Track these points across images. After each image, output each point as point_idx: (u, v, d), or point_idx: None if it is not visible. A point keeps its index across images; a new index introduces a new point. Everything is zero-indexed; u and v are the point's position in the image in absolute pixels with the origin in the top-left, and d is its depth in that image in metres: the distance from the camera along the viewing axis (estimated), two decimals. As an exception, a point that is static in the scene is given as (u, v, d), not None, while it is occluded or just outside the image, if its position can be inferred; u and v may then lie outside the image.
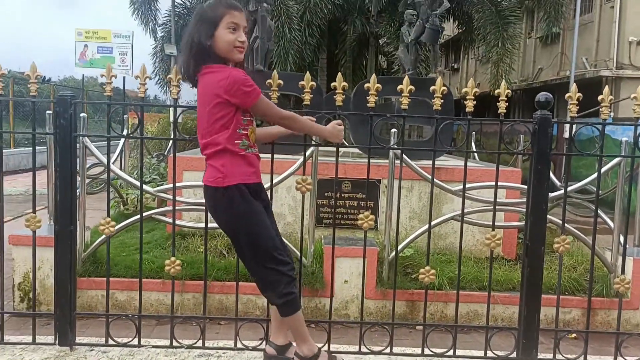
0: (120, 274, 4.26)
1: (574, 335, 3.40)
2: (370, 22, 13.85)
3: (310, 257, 4.34)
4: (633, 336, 2.96)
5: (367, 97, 2.65)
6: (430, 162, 2.86)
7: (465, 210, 2.84)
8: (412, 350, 2.81)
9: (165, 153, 8.65)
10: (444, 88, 2.63)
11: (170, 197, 3.47)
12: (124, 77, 12.28)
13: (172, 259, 2.71)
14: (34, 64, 2.61)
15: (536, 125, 2.61)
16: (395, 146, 4.11)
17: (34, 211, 2.70)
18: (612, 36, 13.72)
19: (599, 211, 3.22)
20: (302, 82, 2.62)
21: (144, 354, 2.65)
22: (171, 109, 3.05)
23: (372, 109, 2.66)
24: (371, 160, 2.82)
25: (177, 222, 3.54)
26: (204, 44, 2.15)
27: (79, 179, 3.81)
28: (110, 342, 2.69)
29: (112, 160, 4.43)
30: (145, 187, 3.72)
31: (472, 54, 20.50)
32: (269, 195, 2.53)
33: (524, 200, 2.86)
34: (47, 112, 4.17)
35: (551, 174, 3.39)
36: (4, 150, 2.70)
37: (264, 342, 2.60)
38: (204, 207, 2.83)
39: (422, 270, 2.74)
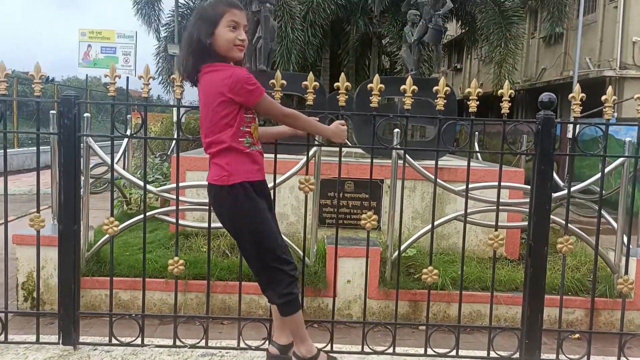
0: (123, 274, 4.27)
1: (577, 335, 3.39)
2: (373, 22, 13.84)
3: (313, 257, 4.35)
4: (636, 337, 2.96)
5: (370, 97, 2.65)
6: (433, 162, 2.86)
7: (468, 211, 2.83)
8: (414, 350, 2.81)
9: (169, 153, 8.67)
10: (447, 88, 2.63)
11: (174, 196, 3.47)
12: (127, 77, 12.25)
13: (176, 258, 2.71)
14: (38, 64, 2.61)
15: (539, 125, 2.61)
16: (398, 146, 4.11)
17: (38, 211, 2.71)
18: (616, 36, 13.68)
19: (603, 211, 3.22)
20: (305, 82, 2.63)
21: (147, 353, 2.66)
22: (174, 109, 3.06)
23: (375, 109, 2.66)
24: (374, 160, 2.82)
25: (180, 221, 3.54)
26: (204, 42, 2.15)
27: (82, 178, 3.82)
28: (114, 341, 2.70)
29: (115, 160, 4.44)
30: (148, 186, 3.73)
31: (475, 54, 20.47)
32: (271, 195, 2.53)
33: (527, 200, 2.85)
34: (51, 112, 4.17)
35: (554, 174, 3.39)
36: (8, 150, 2.71)
37: (267, 342, 2.60)
38: (207, 207, 2.84)
39: (424, 270, 2.74)
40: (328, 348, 2.64)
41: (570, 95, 2.65)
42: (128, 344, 2.70)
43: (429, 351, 2.71)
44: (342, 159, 2.82)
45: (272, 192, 2.43)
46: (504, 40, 12.41)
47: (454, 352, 2.71)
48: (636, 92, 2.67)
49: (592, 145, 9.50)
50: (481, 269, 4.60)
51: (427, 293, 2.83)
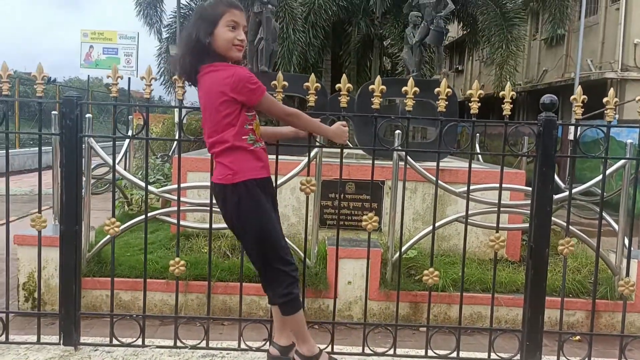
0: (124, 274, 4.28)
1: (578, 337, 3.38)
2: (374, 24, 13.85)
3: (314, 258, 4.35)
4: (637, 339, 2.96)
5: (372, 99, 2.66)
6: (434, 163, 2.86)
7: (469, 212, 2.83)
8: (415, 351, 2.80)
9: (170, 154, 8.67)
10: (449, 90, 2.63)
11: (175, 197, 3.48)
12: (129, 78, 12.23)
13: (177, 259, 2.72)
14: (41, 65, 2.62)
15: (541, 127, 2.61)
16: (400, 148, 4.11)
17: (40, 211, 2.71)
18: (617, 38, 13.68)
19: (604, 213, 3.22)
20: (307, 84, 2.63)
21: (148, 354, 2.66)
22: (176, 110, 3.06)
23: (376, 111, 2.67)
24: (375, 162, 2.83)
25: (181, 222, 3.55)
26: (203, 41, 2.16)
27: (84, 179, 3.82)
28: (115, 342, 2.70)
29: (117, 161, 4.44)
30: (149, 187, 3.74)
31: (476, 56, 20.47)
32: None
33: (528, 202, 2.85)
34: (53, 112, 4.18)
35: (555, 176, 3.39)
36: (9, 150, 2.71)
37: (268, 343, 2.60)
38: (208, 208, 2.84)
39: (425, 271, 2.73)
40: (329, 349, 2.63)
41: (571, 97, 2.65)
42: (129, 345, 2.70)
43: (430, 353, 2.71)
44: (343, 161, 2.82)
45: (273, 192, 2.43)
46: (505, 42, 12.42)
47: (454, 354, 2.71)
48: (638, 94, 2.67)
49: (593, 147, 9.50)
50: (482, 271, 4.60)
51: (427, 294, 2.83)
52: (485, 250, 5.12)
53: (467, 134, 15.07)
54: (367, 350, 2.70)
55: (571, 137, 10.27)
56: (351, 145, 6.50)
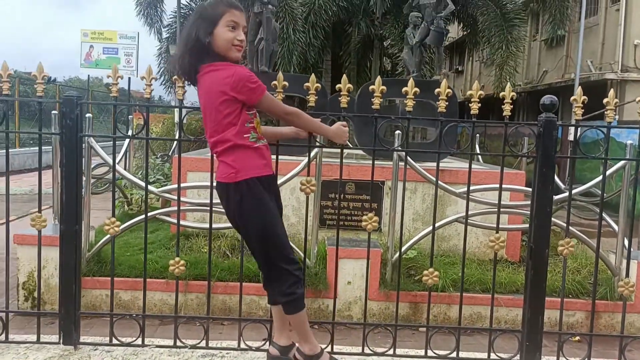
0: (124, 274, 4.28)
1: (577, 338, 3.38)
2: (374, 24, 13.84)
3: (314, 258, 4.35)
4: (637, 339, 2.96)
5: (372, 99, 2.66)
6: (434, 164, 2.86)
7: (469, 213, 2.83)
8: (415, 352, 2.80)
9: (170, 153, 8.68)
10: (449, 90, 2.63)
11: (175, 197, 3.48)
12: (129, 78, 12.21)
13: (177, 259, 2.72)
14: (41, 65, 2.62)
15: (541, 128, 2.61)
16: (400, 148, 4.11)
17: (40, 210, 2.71)
18: (618, 39, 13.69)
19: (604, 214, 3.22)
20: (307, 84, 2.63)
21: (148, 353, 2.66)
22: (176, 110, 3.06)
23: (376, 111, 2.67)
24: (375, 162, 2.83)
25: (181, 222, 3.55)
26: (203, 41, 2.16)
27: (84, 178, 3.82)
28: (114, 341, 2.70)
29: (117, 161, 4.44)
30: (149, 187, 3.73)
31: (476, 57, 20.48)
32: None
33: (528, 202, 2.85)
34: (53, 112, 4.18)
35: (555, 177, 3.39)
36: (9, 150, 2.71)
37: (268, 343, 2.60)
38: (208, 208, 2.84)
39: (425, 272, 2.74)
40: (328, 349, 2.63)
41: (571, 98, 2.66)
42: (129, 344, 2.71)
43: (430, 353, 2.71)
44: (343, 161, 2.82)
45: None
46: (505, 43, 12.42)
47: (454, 354, 2.71)
48: (637, 94, 2.67)
49: (593, 148, 9.50)
50: (482, 271, 4.60)
51: (427, 295, 2.83)
52: (485, 250, 5.12)
53: (467, 134, 15.08)
54: (366, 350, 2.70)
55: (571, 137, 10.28)
56: (351, 146, 6.49)
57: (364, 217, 2.70)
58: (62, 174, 2.65)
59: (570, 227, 2.89)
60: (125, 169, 6.04)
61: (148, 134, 2.81)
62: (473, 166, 2.88)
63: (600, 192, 2.91)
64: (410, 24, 7.85)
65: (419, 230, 4.76)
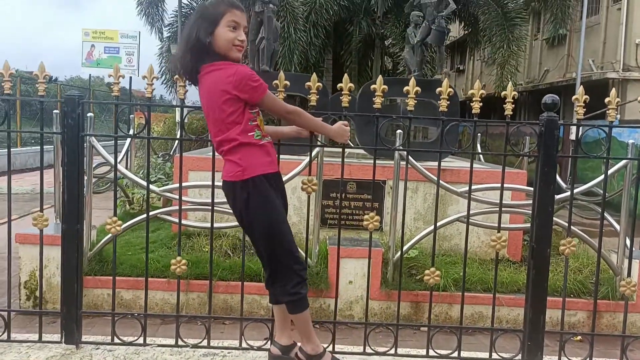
0: (125, 273, 4.28)
1: (579, 337, 3.38)
2: (376, 24, 13.84)
3: (315, 257, 4.35)
4: (639, 339, 2.95)
5: (373, 99, 2.65)
6: (435, 163, 2.86)
7: (471, 212, 2.83)
8: (416, 351, 2.80)
9: (171, 153, 8.69)
10: (450, 90, 2.63)
11: (176, 196, 3.48)
12: (131, 77, 12.20)
13: (178, 258, 2.72)
14: (42, 64, 2.62)
15: (542, 127, 2.61)
16: (401, 147, 4.11)
17: (42, 210, 2.71)
18: (619, 38, 13.67)
19: (605, 214, 3.21)
20: (308, 83, 2.63)
21: (150, 352, 2.66)
22: (177, 109, 3.06)
23: (377, 110, 2.67)
24: (376, 161, 2.82)
25: (182, 221, 3.55)
26: (203, 41, 2.16)
27: (85, 178, 3.83)
28: (116, 340, 2.70)
29: (118, 160, 4.45)
30: (151, 186, 3.74)
31: (477, 56, 20.46)
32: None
33: (530, 202, 2.85)
34: (54, 111, 4.20)
35: (557, 176, 3.39)
36: (11, 149, 2.72)
37: (269, 342, 2.60)
38: (209, 207, 2.84)
39: (427, 271, 2.73)
40: (330, 349, 2.64)
41: (573, 97, 2.65)
42: (130, 343, 2.71)
43: (431, 352, 2.71)
44: (345, 160, 2.82)
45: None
46: (506, 42, 12.41)
47: (455, 354, 2.71)
48: (639, 94, 2.66)
49: (595, 147, 9.49)
50: (483, 271, 4.60)
51: (429, 294, 2.83)
52: (487, 250, 5.12)
53: (468, 133, 15.07)
54: (368, 350, 2.70)
55: (573, 137, 10.27)
56: (352, 145, 6.50)
57: (365, 217, 2.70)
58: (63, 173, 2.65)
59: (571, 227, 2.88)
60: (126, 168, 6.05)
61: (149, 133, 2.81)
62: (474, 165, 2.88)
63: (601, 192, 2.91)
64: (411, 23, 7.85)
65: (420, 230, 4.76)
